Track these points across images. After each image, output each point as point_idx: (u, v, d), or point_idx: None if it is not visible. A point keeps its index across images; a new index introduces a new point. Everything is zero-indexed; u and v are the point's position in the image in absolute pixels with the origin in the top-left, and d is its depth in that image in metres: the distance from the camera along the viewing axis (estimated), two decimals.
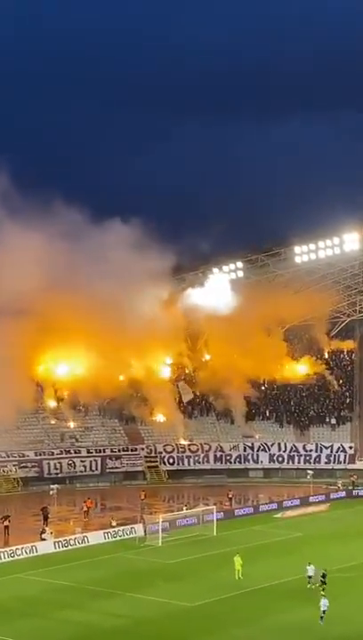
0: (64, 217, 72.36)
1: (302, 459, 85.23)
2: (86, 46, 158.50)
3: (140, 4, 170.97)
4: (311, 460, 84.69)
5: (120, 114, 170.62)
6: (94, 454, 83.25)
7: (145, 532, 57.76)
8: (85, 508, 65.17)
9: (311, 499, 71.36)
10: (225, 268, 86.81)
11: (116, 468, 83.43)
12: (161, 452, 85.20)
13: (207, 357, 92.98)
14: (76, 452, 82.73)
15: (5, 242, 69.19)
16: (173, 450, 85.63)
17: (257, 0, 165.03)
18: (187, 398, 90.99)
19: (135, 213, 73.92)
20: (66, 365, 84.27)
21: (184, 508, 63.98)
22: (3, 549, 53.08)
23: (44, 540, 55.58)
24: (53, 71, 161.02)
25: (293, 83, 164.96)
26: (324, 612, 39.06)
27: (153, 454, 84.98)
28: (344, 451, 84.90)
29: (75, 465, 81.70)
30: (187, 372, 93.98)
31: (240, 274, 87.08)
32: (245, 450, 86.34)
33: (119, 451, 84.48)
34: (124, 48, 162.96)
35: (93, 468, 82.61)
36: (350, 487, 76.18)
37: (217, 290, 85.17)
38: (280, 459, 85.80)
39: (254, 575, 46.66)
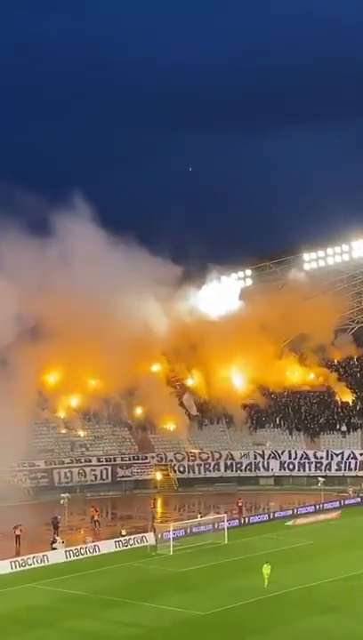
0: (65, 229, 72.83)
1: (312, 466, 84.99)
2: (83, 60, 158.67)
3: (138, 21, 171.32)
4: (322, 468, 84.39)
5: (117, 128, 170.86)
6: (105, 463, 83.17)
7: (156, 540, 57.65)
8: (96, 518, 65.03)
9: (324, 506, 71.04)
10: (234, 275, 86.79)
11: (127, 476, 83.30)
12: (171, 461, 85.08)
13: (210, 364, 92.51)
14: (86, 461, 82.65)
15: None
16: (184, 458, 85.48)
17: (253, 15, 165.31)
18: (193, 412, 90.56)
19: (141, 223, 74.31)
20: (74, 374, 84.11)
21: (199, 516, 63.82)
22: (14, 559, 53.04)
23: (55, 549, 55.57)
24: (50, 85, 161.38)
25: (296, 91, 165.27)
26: None
27: (163, 462, 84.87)
28: (355, 457, 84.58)
29: (85, 474, 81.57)
30: (189, 379, 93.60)
31: (249, 282, 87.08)
32: (255, 457, 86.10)
33: (130, 459, 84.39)
34: (121, 63, 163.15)
35: (104, 477, 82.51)
36: None
37: (225, 297, 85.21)
38: (291, 466, 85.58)
39: (266, 583, 46.53)
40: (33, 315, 70.72)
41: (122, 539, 57.97)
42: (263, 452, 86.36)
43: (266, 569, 46.45)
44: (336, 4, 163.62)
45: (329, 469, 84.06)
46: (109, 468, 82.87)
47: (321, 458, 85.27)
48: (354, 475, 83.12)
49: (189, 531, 59.88)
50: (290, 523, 65.84)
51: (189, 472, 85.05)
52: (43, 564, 53.09)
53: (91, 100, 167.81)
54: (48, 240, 72.87)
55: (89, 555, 55.54)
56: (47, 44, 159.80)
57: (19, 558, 53.25)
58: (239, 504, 70.17)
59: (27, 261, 70.34)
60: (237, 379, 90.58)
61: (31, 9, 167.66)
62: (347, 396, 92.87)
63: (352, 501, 73.72)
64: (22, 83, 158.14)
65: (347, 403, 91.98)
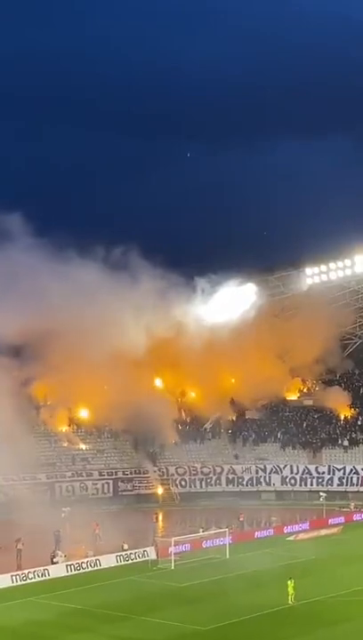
0: (61, 244, 72.90)
1: (314, 481, 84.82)
2: (78, 73, 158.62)
3: (137, 27, 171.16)
4: (324, 483, 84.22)
5: (114, 138, 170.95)
6: (106, 477, 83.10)
7: (157, 554, 57.53)
8: (97, 532, 64.82)
9: (326, 521, 70.83)
10: (234, 288, 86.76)
11: (128, 490, 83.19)
12: (173, 475, 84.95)
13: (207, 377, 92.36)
14: (88, 475, 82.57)
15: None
16: (186, 472, 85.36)
17: (252, 26, 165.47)
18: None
19: (139, 235, 74.24)
20: (74, 388, 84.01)
21: (201, 530, 63.66)
22: (15, 573, 52.96)
23: (56, 563, 55.44)
24: (47, 94, 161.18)
25: (298, 105, 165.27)
26: None
27: (165, 477, 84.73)
28: (357, 473, 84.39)
29: (87, 488, 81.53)
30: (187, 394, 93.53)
31: (251, 295, 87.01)
32: (257, 472, 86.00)
33: (131, 473, 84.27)
34: (116, 76, 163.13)
35: (105, 491, 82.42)
36: None
37: (223, 310, 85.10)
38: (293, 481, 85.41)
39: (266, 598, 46.37)
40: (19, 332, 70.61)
41: (123, 553, 57.88)
42: (265, 466, 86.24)
43: (290, 586, 45.76)
44: (336, 16, 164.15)
45: (331, 484, 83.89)
46: (111, 481, 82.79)
47: (323, 473, 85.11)
48: (356, 490, 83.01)
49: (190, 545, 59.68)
50: (292, 538, 65.69)
51: (190, 486, 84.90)
52: (44, 578, 53.02)
53: (87, 109, 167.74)
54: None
55: (90, 569, 55.49)
56: (44, 51, 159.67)
57: (19, 572, 53.16)
58: (241, 519, 69.98)
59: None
60: (234, 392, 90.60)
61: (29, 18, 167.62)
62: (348, 411, 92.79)
63: (354, 516, 73.51)
64: (20, 89, 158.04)
65: (348, 417, 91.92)
